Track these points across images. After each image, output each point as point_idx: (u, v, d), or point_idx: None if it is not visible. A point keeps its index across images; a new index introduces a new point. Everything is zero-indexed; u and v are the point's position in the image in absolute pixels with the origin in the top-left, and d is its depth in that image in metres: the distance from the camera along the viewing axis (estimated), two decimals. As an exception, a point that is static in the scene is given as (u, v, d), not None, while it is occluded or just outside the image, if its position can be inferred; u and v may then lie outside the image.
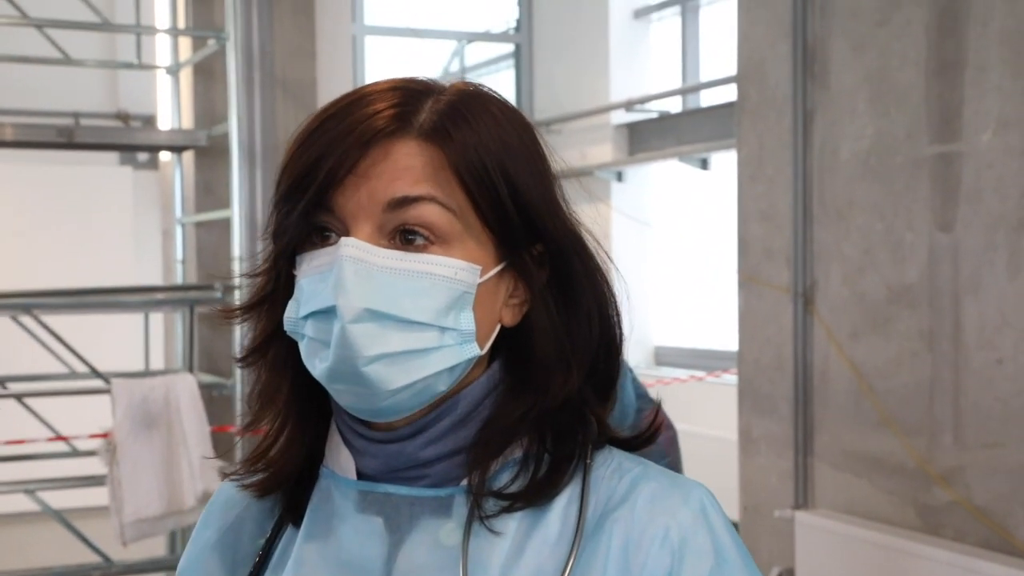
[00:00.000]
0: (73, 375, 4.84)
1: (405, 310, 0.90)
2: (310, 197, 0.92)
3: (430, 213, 0.91)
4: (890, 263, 3.65)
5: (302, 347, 0.94)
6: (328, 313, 0.90)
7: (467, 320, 0.93)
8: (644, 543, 0.92)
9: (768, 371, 4.18)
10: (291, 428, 1.01)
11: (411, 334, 0.91)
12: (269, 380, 1.01)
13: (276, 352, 0.99)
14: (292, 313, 0.95)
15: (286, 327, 0.95)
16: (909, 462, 3.60)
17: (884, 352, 3.68)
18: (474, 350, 0.94)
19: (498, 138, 0.95)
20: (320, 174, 0.91)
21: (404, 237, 0.92)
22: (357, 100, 0.95)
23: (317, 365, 0.92)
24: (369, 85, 0.97)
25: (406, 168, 0.92)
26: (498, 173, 0.94)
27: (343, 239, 0.91)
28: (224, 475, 1.06)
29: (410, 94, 0.95)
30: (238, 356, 1.03)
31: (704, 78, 7.13)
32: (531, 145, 0.98)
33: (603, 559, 0.92)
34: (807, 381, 4.01)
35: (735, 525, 4.37)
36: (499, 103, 0.98)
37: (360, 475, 0.98)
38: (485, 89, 0.99)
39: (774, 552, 4.16)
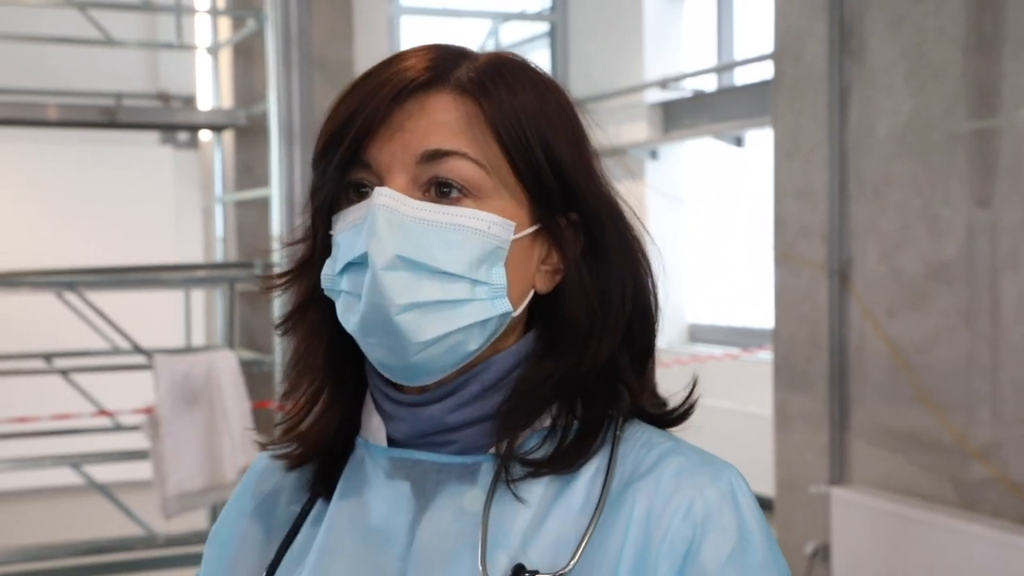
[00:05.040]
0: (116, 351, 4.90)
1: (437, 260, 0.90)
2: (345, 150, 0.92)
3: (463, 168, 0.92)
4: (927, 239, 3.65)
5: (338, 304, 0.94)
6: (361, 263, 0.91)
7: (498, 275, 0.93)
8: (667, 514, 0.91)
9: (804, 348, 4.19)
10: (327, 396, 1.01)
11: (443, 284, 0.91)
12: (306, 347, 1.01)
13: (313, 316, 0.99)
14: (329, 270, 0.95)
15: (324, 285, 0.95)
16: (946, 438, 3.61)
17: (921, 328, 3.68)
18: (506, 306, 0.94)
19: (535, 101, 0.95)
20: (354, 127, 0.92)
21: (438, 190, 0.92)
22: (393, 59, 0.95)
23: (350, 319, 0.92)
24: (406, 49, 0.97)
25: (442, 122, 0.92)
26: (535, 134, 0.93)
27: (377, 188, 0.91)
28: (261, 446, 1.06)
29: (447, 52, 0.96)
30: (277, 323, 1.02)
31: (738, 56, 7.11)
32: (568, 112, 0.98)
33: (624, 527, 0.92)
34: (843, 358, 4.01)
35: (770, 501, 4.40)
36: (536, 70, 0.98)
37: (391, 442, 0.98)
38: (522, 57, 0.99)
39: (809, 527, 4.18)
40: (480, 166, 0.92)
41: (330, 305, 0.96)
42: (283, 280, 1.01)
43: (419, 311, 0.90)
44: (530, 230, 0.95)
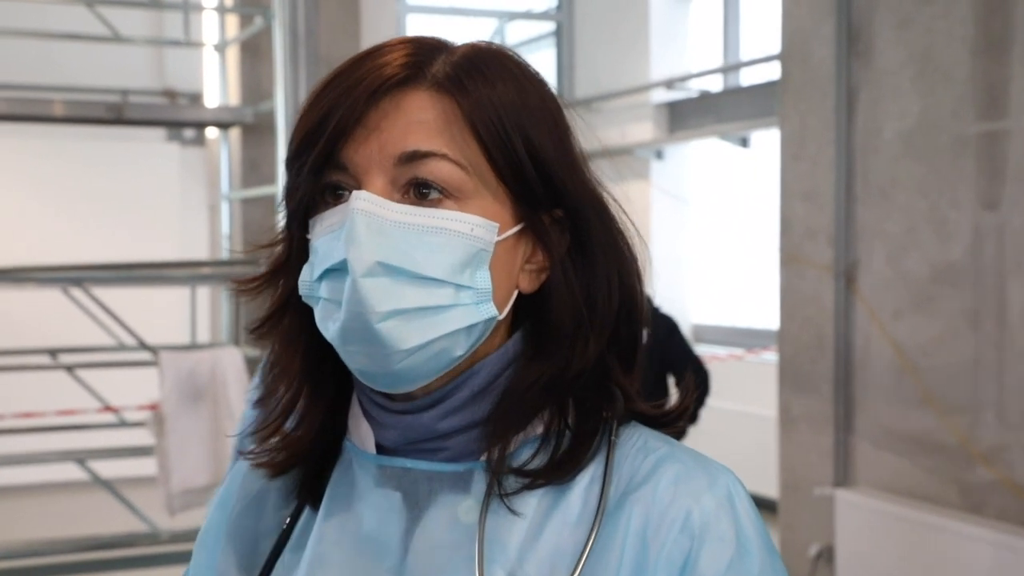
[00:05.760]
0: (122, 347, 4.91)
1: (419, 265, 0.87)
2: (320, 151, 0.89)
3: (442, 169, 0.88)
4: (934, 242, 3.65)
5: (317, 312, 0.91)
6: (341, 270, 0.88)
7: (483, 279, 0.90)
8: (664, 526, 0.89)
9: (809, 350, 4.18)
10: (305, 401, 0.98)
11: (425, 290, 0.88)
12: (283, 351, 0.97)
13: (290, 321, 0.96)
14: (307, 276, 0.91)
15: (301, 292, 0.92)
16: (951, 441, 3.60)
17: (927, 331, 3.68)
18: (491, 310, 0.91)
19: (514, 93, 0.91)
20: (329, 127, 0.88)
21: (418, 191, 0.89)
22: (368, 55, 0.92)
23: (330, 327, 0.89)
24: (381, 43, 0.94)
25: (419, 121, 0.89)
26: (515, 129, 0.90)
27: (355, 192, 0.88)
28: (242, 454, 1.02)
29: (423, 46, 0.92)
30: (251, 327, 0.98)
31: (745, 57, 7.11)
32: (549, 102, 0.94)
33: (621, 540, 0.89)
34: (848, 360, 4.01)
35: (774, 503, 4.40)
36: (515, 61, 0.95)
37: (380, 448, 0.96)
38: (501, 47, 0.96)
39: (813, 529, 4.18)
40: (460, 166, 0.89)
41: (307, 309, 0.94)
42: (257, 283, 0.98)
43: (402, 318, 0.87)
44: (514, 230, 0.92)
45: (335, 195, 0.91)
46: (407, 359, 0.88)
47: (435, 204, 0.89)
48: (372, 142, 0.89)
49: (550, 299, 0.94)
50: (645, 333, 1.02)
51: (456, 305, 0.89)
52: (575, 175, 0.94)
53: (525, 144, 0.91)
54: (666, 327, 4.08)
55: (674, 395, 1.05)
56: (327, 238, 0.90)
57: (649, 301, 0.99)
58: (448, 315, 0.89)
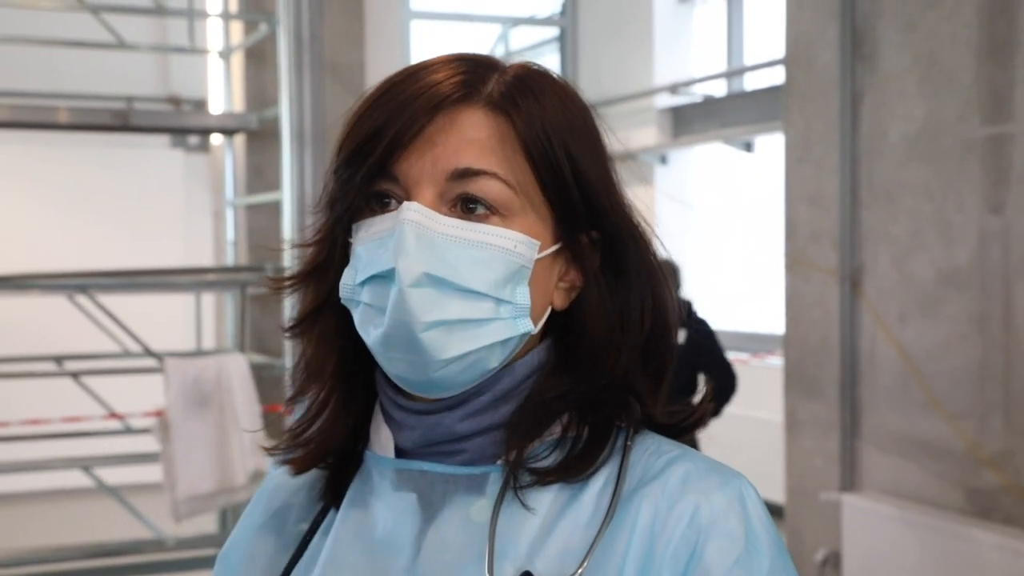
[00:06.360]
0: (127, 354, 4.91)
1: (464, 278, 0.90)
2: (374, 161, 0.91)
3: (492, 188, 0.91)
4: (939, 245, 3.64)
5: (356, 315, 0.93)
6: (386, 277, 0.90)
7: (523, 294, 0.93)
8: (672, 519, 0.90)
9: (815, 354, 4.18)
10: (335, 403, 0.99)
11: (468, 303, 0.90)
12: (316, 352, 0.99)
13: (325, 323, 0.98)
14: (349, 280, 0.94)
15: (342, 295, 0.94)
16: (958, 445, 3.60)
17: (933, 335, 3.67)
18: (527, 325, 0.93)
19: (562, 115, 0.94)
20: (385, 139, 0.91)
21: (465, 206, 0.91)
22: (421, 69, 0.94)
23: (371, 332, 0.91)
24: (431, 58, 0.96)
25: (472, 139, 0.91)
26: (562, 151, 0.93)
27: (405, 203, 0.90)
28: (266, 450, 1.04)
29: (476, 64, 0.95)
30: (286, 326, 1.00)
31: (749, 61, 7.11)
32: (591, 125, 0.97)
33: (628, 534, 0.91)
34: (854, 364, 4.01)
35: (780, 508, 4.39)
36: (561, 83, 0.97)
37: (399, 452, 0.98)
38: (547, 69, 0.98)
39: (820, 535, 4.17)
40: (509, 186, 0.92)
41: (343, 312, 0.96)
42: (293, 282, 1.00)
43: (444, 329, 0.90)
44: (553, 248, 0.95)
45: (381, 203, 0.93)
46: (444, 368, 0.91)
47: (481, 219, 0.92)
48: (426, 156, 0.91)
49: (583, 316, 0.97)
50: (682, 334, 1.03)
51: (496, 319, 0.92)
52: (613, 198, 0.97)
53: (571, 166, 0.94)
54: (703, 332, 4.12)
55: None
56: (372, 244, 0.92)
57: (688, 305, 0.99)
58: (488, 328, 0.92)
